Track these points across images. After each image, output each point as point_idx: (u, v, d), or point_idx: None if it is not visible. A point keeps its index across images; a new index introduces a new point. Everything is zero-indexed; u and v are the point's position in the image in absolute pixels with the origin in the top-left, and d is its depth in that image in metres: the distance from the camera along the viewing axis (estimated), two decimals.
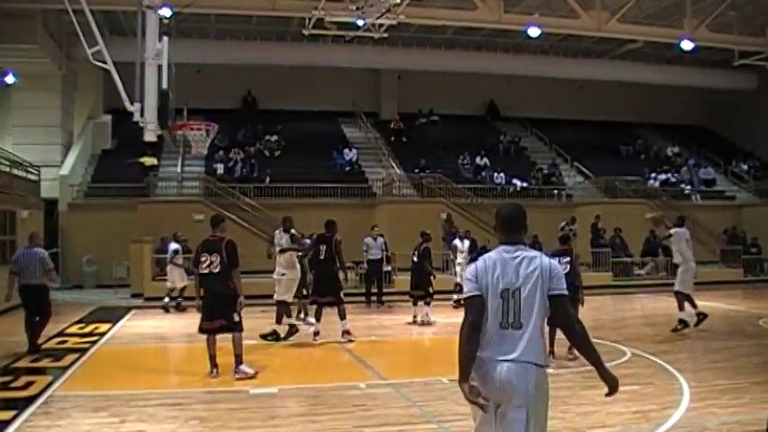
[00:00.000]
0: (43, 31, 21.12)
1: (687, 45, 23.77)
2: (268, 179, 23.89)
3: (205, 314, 8.61)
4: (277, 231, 11.76)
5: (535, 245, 19.56)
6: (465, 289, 3.75)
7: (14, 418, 6.73)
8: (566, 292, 3.67)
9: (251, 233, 20.43)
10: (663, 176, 27.98)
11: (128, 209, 21.23)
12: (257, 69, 27.41)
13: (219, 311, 8.51)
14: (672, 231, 12.28)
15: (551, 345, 9.10)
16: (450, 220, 20.83)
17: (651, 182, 27.35)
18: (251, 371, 8.55)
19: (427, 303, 13.72)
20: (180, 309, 15.94)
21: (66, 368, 9.32)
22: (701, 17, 23.52)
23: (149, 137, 14.45)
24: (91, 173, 24.35)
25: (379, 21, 19.76)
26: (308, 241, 12.80)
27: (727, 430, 6.23)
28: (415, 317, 13.89)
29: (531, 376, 3.53)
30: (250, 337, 11.07)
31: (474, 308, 3.66)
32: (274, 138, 26.88)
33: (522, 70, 28.41)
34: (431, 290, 13.77)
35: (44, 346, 10.64)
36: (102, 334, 12.61)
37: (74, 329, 13.09)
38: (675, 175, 28.69)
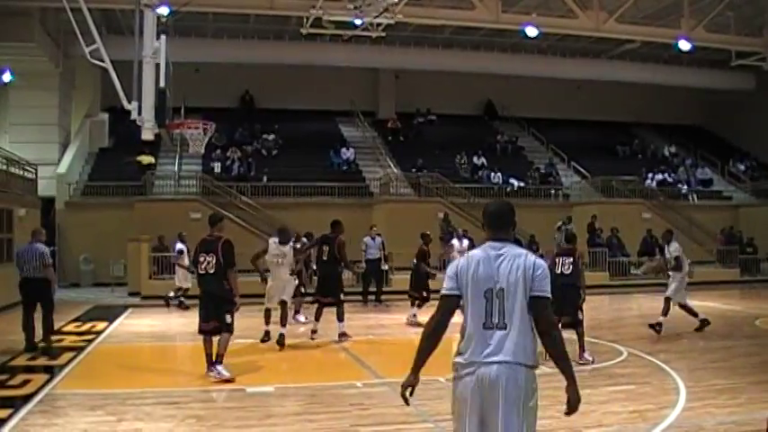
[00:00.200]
0: (41, 29, 21.07)
1: (685, 45, 23.79)
2: (265, 178, 23.87)
3: (202, 315, 8.61)
4: (272, 241, 11.32)
5: (532, 245, 19.65)
6: (444, 285, 3.67)
7: (11, 416, 6.72)
8: (548, 295, 3.53)
9: (248, 232, 20.42)
10: (660, 176, 27.98)
11: (125, 207, 21.21)
12: (255, 68, 27.38)
13: (213, 313, 8.49)
14: (675, 254, 12.04)
15: None
16: (448, 220, 20.87)
17: (648, 182, 27.38)
18: (227, 374, 8.29)
19: (418, 306, 13.46)
20: (183, 307, 15.91)
21: (63, 366, 9.31)
22: (698, 17, 23.56)
23: (147, 135, 14.39)
24: (88, 171, 24.34)
25: (377, 20, 19.78)
26: (305, 240, 12.75)
27: (724, 430, 6.25)
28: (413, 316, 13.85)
29: (520, 377, 3.43)
30: (250, 336, 11.08)
31: (445, 307, 3.62)
32: (272, 137, 26.86)
33: (520, 70, 28.39)
34: (425, 293, 13.46)
35: (41, 345, 10.59)
36: (99, 332, 12.61)
37: (71, 328, 13.07)
38: (672, 175, 28.72)
